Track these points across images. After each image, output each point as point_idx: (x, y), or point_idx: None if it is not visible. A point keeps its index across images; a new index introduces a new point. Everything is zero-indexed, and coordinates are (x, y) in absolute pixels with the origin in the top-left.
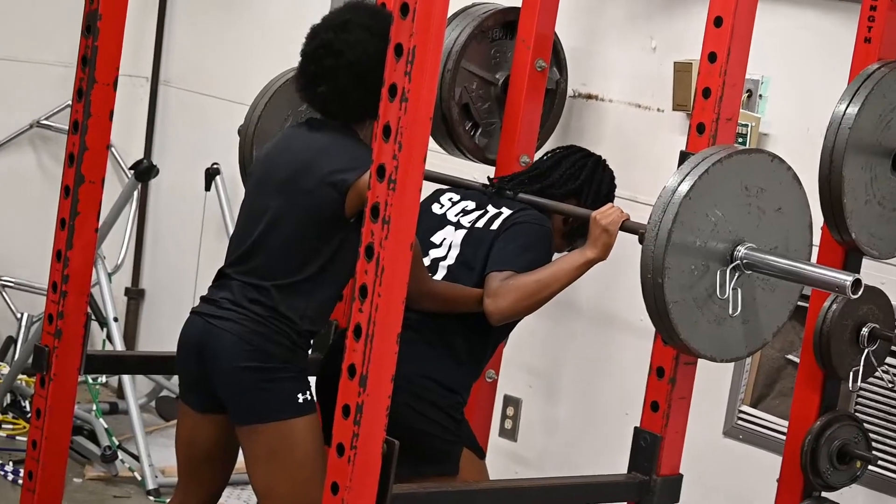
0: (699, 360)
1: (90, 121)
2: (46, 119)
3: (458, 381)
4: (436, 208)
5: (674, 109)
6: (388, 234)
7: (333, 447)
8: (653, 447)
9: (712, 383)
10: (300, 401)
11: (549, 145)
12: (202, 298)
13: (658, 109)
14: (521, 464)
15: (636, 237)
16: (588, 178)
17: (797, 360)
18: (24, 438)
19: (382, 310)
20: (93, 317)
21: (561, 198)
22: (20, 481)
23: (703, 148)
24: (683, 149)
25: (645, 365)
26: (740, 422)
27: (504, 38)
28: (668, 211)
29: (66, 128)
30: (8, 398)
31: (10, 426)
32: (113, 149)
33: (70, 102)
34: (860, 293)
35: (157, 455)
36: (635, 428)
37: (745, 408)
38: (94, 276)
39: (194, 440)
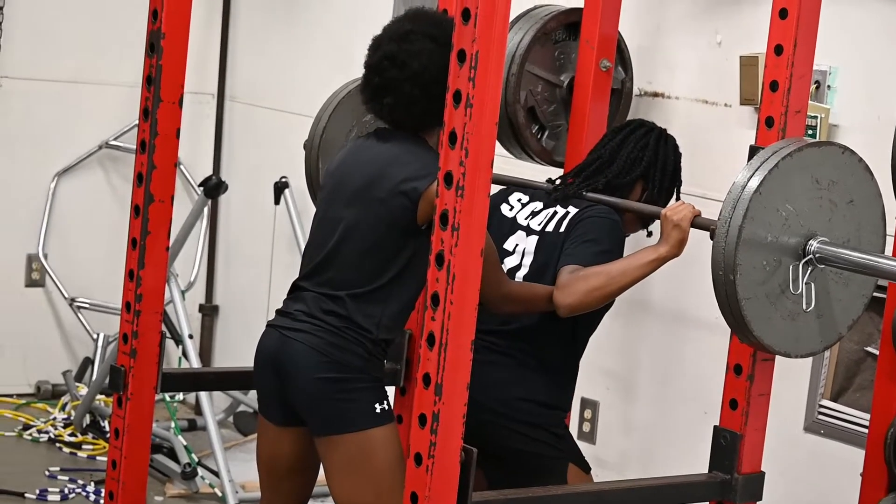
0: (777, 356)
1: (157, 139)
2: (115, 140)
3: (554, 395)
4: (505, 210)
5: (741, 104)
6: (457, 241)
7: (411, 457)
8: (733, 445)
9: (791, 379)
10: (377, 411)
11: None
12: (277, 311)
13: (725, 105)
14: (601, 466)
15: (707, 234)
16: (652, 158)
17: (876, 351)
18: (105, 458)
19: (455, 317)
20: (168, 335)
21: (629, 185)
22: (102, 501)
23: (773, 142)
24: (753, 143)
25: (722, 363)
26: (821, 416)
27: (567, 40)
28: (738, 207)
29: (135, 148)
30: (87, 419)
31: (91, 447)
32: (181, 166)
33: (137, 122)
34: None
35: (237, 470)
36: (715, 426)
37: (825, 402)
38: (168, 294)
39: (275, 454)
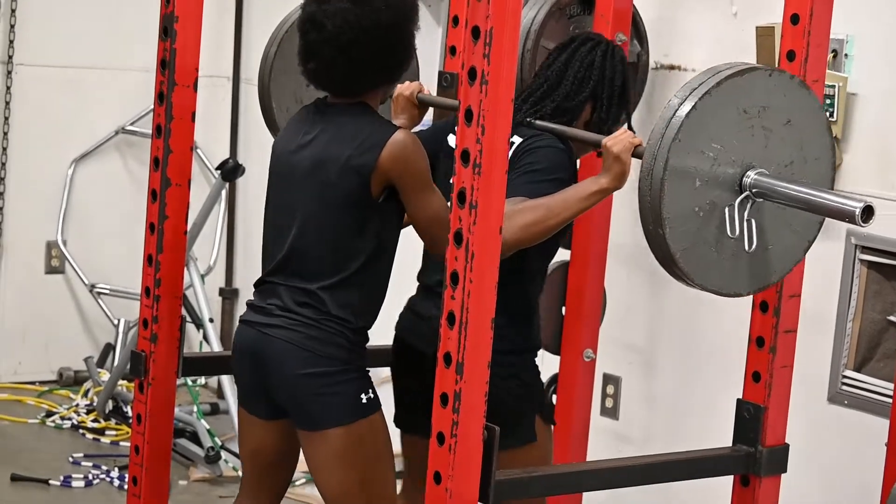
0: (798, 326)
1: (173, 124)
2: (131, 125)
3: (520, 339)
4: (452, 140)
5: None
6: (475, 218)
7: (434, 436)
8: (757, 418)
9: (813, 349)
10: (364, 401)
11: (633, 119)
12: (249, 305)
13: None
14: (625, 442)
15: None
16: (599, 76)
17: None
18: (128, 444)
19: (475, 296)
20: (188, 319)
21: (578, 107)
22: (126, 487)
23: None
24: None
25: (744, 335)
26: (844, 387)
27: (582, 14)
28: (657, 158)
29: (151, 132)
30: (110, 405)
31: (114, 432)
32: (198, 150)
33: (152, 107)
34: (871, 221)
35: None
36: (738, 400)
37: (848, 372)
38: (187, 278)
39: (260, 448)
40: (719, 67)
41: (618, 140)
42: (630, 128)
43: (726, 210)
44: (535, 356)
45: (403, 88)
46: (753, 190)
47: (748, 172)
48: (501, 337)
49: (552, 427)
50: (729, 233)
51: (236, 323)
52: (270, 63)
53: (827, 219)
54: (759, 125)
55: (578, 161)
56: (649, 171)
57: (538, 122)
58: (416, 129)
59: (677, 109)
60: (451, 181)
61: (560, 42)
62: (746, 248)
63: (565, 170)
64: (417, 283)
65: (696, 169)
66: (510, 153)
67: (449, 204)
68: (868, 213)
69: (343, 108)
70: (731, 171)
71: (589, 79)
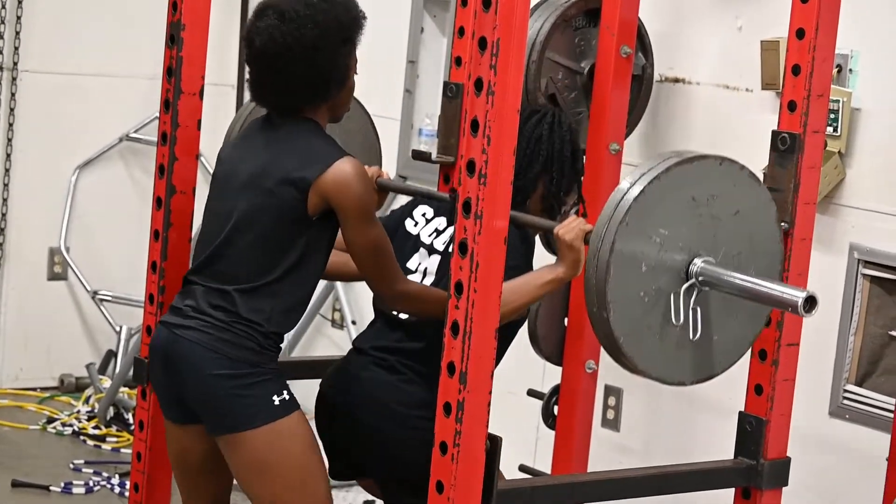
0: (801, 340)
1: (178, 131)
2: (135, 132)
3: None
4: (409, 225)
5: (763, 89)
6: (480, 228)
7: (436, 446)
8: (758, 431)
9: (815, 363)
10: (276, 402)
11: (637, 132)
12: (170, 307)
13: (747, 90)
14: (626, 454)
15: None
16: (548, 150)
17: None
18: (129, 451)
19: (479, 305)
20: None
21: (531, 184)
22: (127, 493)
23: (796, 126)
24: (775, 128)
25: None
26: (846, 401)
27: (587, 26)
28: (604, 240)
29: (155, 140)
30: (111, 411)
31: (115, 439)
32: (202, 158)
33: (158, 114)
34: (815, 311)
35: None
36: (740, 412)
37: (850, 387)
38: None
39: (182, 452)
40: (667, 154)
41: (570, 228)
42: (581, 196)
43: (672, 297)
44: None
45: None
46: (700, 278)
47: (695, 260)
48: (421, 404)
49: None
50: (674, 320)
51: None
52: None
53: (830, 230)
54: (708, 213)
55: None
56: (595, 253)
57: None
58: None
59: (626, 193)
60: (406, 265)
61: None
62: (691, 336)
63: (519, 256)
64: (350, 347)
65: (643, 253)
66: None
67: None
68: (811, 303)
69: (292, 123)
70: (678, 258)
71: (538, 154)
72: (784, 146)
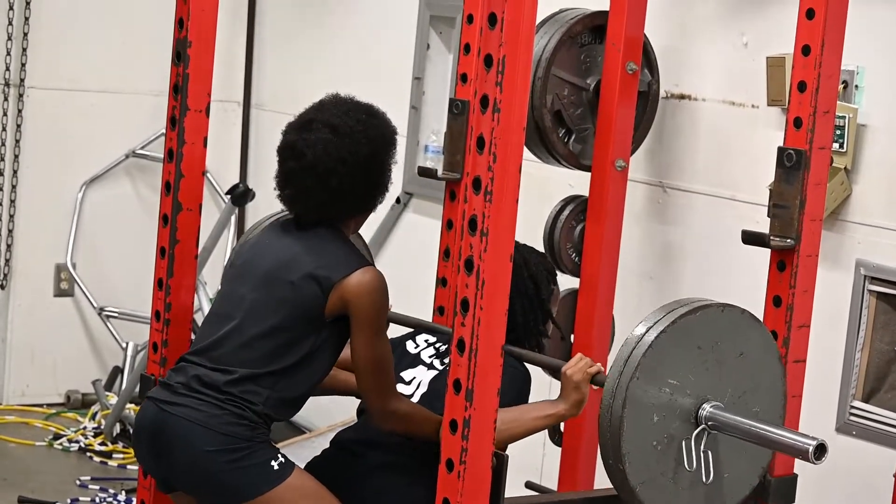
0: (808, 356)
1: (185, 148)
2: (142, 149)
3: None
4: (410, 347)
5: (769, 105)
6: (486, 246)
7: (442, 463)
8: None
9: (822, 380)
10: (275, 467)
11: (643, 148)
12: (159, 382)
13: (753, 106)
14: None
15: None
16: (532, 279)
17: None
18: (135, 467)
19: (485, 323)
20: None
21: (529, 308)
22: None
23: (801, 143)
24: (781, 144)
25: None
26: (853, 417)
27: (593, 43)
28: (616, 396)
29: (162, 156)
30: (118, 428)
31: (121, 455)
32: (208, 174)
33: (164, 131)
34: (824, 458)
35: None
36: None
37: (856, 403)
38: (197, 302)
39: None
40: (671, 306)
41: (577, 369)
42: (556, 325)
43: (683, 444)
44: None
45: None
46: (709, 423)
47: (703, 405)
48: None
49: None
50: (686, 466)
51: None
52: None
53: (837, 246)
54: (713, 359)
55: None
56: (608, 408)
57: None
58: None
59: (634, 348)
60: (400, 374)
61: None
62: (704, 480)
63: (517, 389)
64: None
65: (654, 404)
66: None
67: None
68: (821, 450)
69: (321, 227)
70: (686, 404)
71: (523, 287)
72: (790, 162)
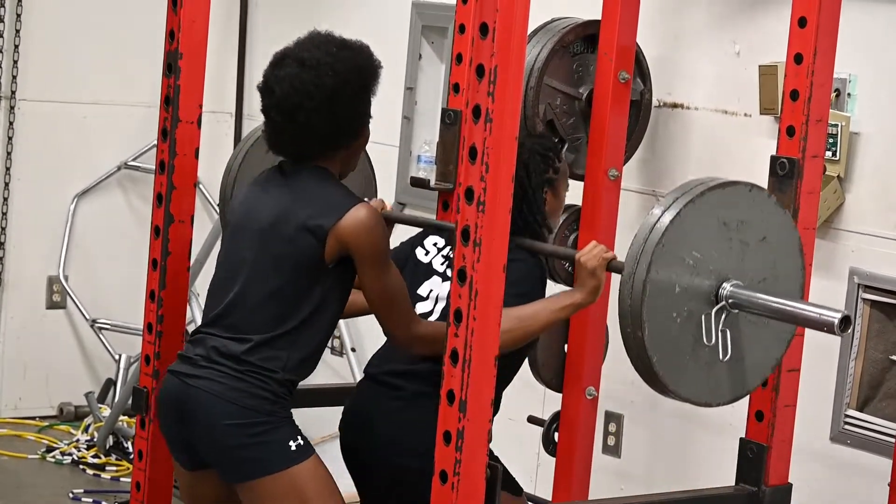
0: (802, 365)
1: (176, 160)
2: (134, 160)
3: None
4: (420, 254)
5: (761, 113)
6: (479, 256)
7: (436, 475)
8: (760, 457)
9: (816, 389)
10: (293, 448)
11: (636, 157)
12: (178, 355)
13: (745, 114)
14: (627, 480)
15: None
16: (524, 165)
17: None
18: (129, 480)
19: (478, 333)
20: None
21: (521, 196)
22: None
23: (794, 151)
24: (774, 153)
25: None
26: (847, 426)
27: (585, 52)
28: (640, 261)
29: (154, 168)
30: (111, 440)
31: (114, 468)
32: (201, 186)
33: (156, 143)
34: (850, 330)
35: None
36: (741, 439)
37: (851, 412)
38: (189, 314)
39: (195, 496)
40: (700, 180)
41: (591, 255)
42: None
43: (703, 318)
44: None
45: None
46: (729, 301)
47: (724, 284)
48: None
49: (522, 495)
50: (705, 340)
51: None
52: (234, 175)
53: (830, 255)
54: (738, 238)
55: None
56: (631, 274)
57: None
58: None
59: (661, 216)
60: (416, 291)
61: None
62: (721, 357)
63: (531, 283)
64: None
65: (677, 275)
66: None
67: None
68: (846, 323)
69: (306, 170)
70: (708, 281)
71: (525, 179)
72: (783, 171)
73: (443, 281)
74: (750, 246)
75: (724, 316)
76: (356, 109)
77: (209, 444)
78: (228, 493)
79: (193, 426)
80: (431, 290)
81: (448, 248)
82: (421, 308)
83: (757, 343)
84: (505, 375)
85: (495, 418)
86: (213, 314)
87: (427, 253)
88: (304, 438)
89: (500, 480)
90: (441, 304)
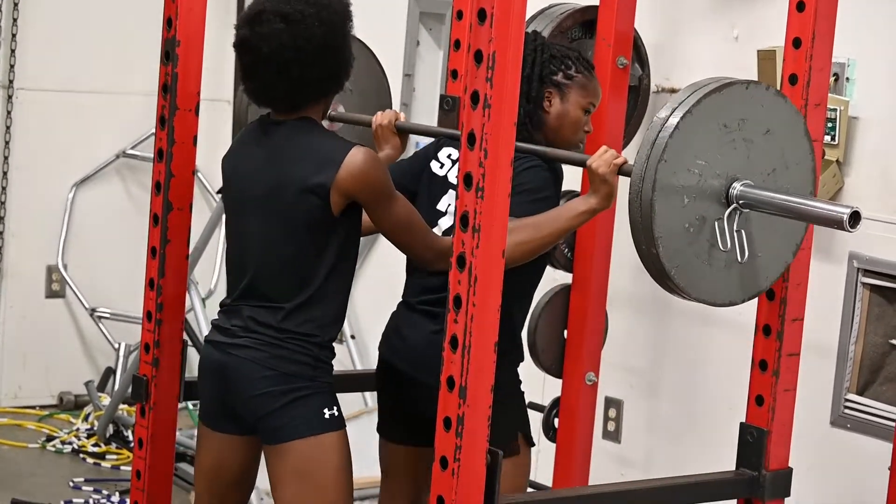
0: (802, 349)
1: (174, 148)
2: (132, 149)
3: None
4: (435, 167)
5: None
6: (478, 242)
7: (437, 461)
8: (760, 442)
9: (816, 373)
10: (326, 416)
11: (635, 142)
12: (214, 326)
13: None
14: (627, 465)
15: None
16: (539, 72)
17: None
18: (129, 468)
19: (478, 319)
20: (190, 343)
21: (542, 99)
22: None
23: None
24: None
25: (746, 358)
26: (847, 410)
27: (584, 38)
28: (645, 179)
29: (152, 156)
30: (111, 429)
31: (115, 457)
32: (199, 174)
33: (154, 131)
34: (858, 226)
35: (262, 476)
36: (741, 423)
37: (851, 396)
38: (189, 302)
39: (222, 464)
40: (698, 84)
41: (602, 161)
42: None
43: (716, 224)
44: (517, 373)
45: (381, 118)
46: (740, 201)
47: (733, 184)
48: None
49: (530, 449)
50: (721, 246)
51: None
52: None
53: (829, 239)
54: (740, 137)
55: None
56: (637, 192)
57: (521, 144)
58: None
59: (660, 130)
60: (436, 207)
61: None
62: (739, 259)
63: (550, 188)
64: (399, 300)
65: (684, 186)
66: None
67: (436, 227)
68: (855, 218)
69: (290, 125)
70: (716, 185)
71: (531, 79)
72: None
73: None
74: (754, 142)
75: (737, 217)
76: (343, 54)
77: (252, 410)
78: (251, 466)
79: (236, 393)
80: (450, 205)
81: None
82: (444, 222)
83: (775, 233)
84: (526, 290)
85: None
86: (239, 288)
87: (442, 166)
88: (339, 410)
89: (500, 466)
90: None
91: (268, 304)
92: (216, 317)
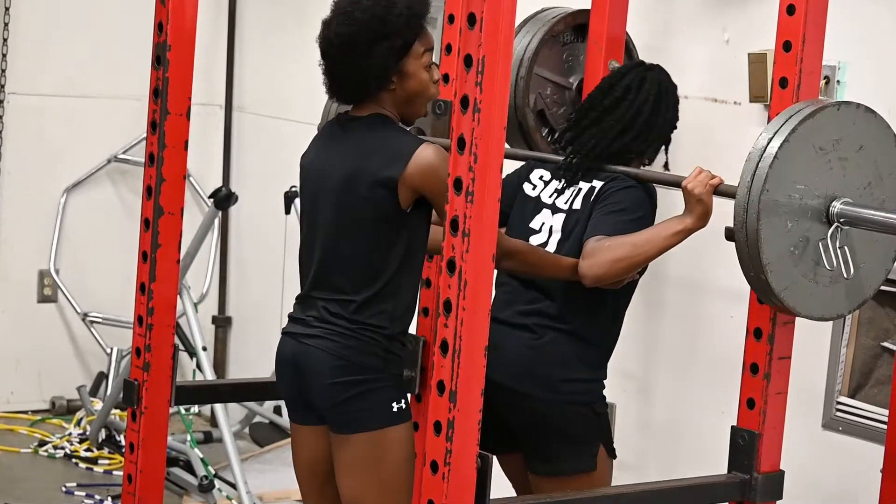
0: (794, 352)
1: (166, 152)
2: (123, 153)
3: (595, 370)
4: (528, 189)
5: (751, 101)
6: (468, 247)
7: (427, 464)
8: (751, 445)
9: (807, 376)
10: (395, 409)
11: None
12: (290, 318)
13: (735, 102)
14: (620, 468)
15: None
16: (655, 108)
17: (893, 347)
18: (121, 473)
19: (468, 323)
20: (181, 347)
21: (641, 140)
22: None
23: None
24: None
25: (737, 361)
26: (839, 413)
27: (575, 42)
28: (749, 210)
29: (143, 161)
30: (103, 433)
31: (107, 461)
32: (190, 178)
33: (145, 135)
34: None
35: (254, 482)
36: (732, 427)
37: (842, 399)
38: (180, 306)
39: (316, 457)
40: (791, 110)
41: (698, 181)
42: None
43: (820, 244)
44: (603, 389)
45: None
46: (841, 220)
47: (833, 203)
48: (589, 365)
49: (612, 461)
50: (827, 266)
51: (230, 351)
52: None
53: None
54: (836, 157)
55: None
56: (742, 223)
57: (617, 167)
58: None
59: (759, 161)
60: (529, 225)
61: (609, 77)
62: (844, 275)
63: (646, 208)
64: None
65: (786, 212)
66: (593, 196)
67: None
68: None
69: (365, 121)
70: (816, 205)
71: (641, 113)
72: None
73: (553, 214)
74: (849, 159)
75: (839, 234)
76: (374, 59)
77: (323, 400)
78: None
79: (310, 382)
80: (543, 223)
81: (554, 179)
82: (536, 240)
83: (874, 244)
84: (623, 305)
85: None
86: (312, 279)
87: (534, 187)
88: (406, 402)
89: (490, 470)
90: (556, 236)
91: (340, 296)
92: (292, 309)
